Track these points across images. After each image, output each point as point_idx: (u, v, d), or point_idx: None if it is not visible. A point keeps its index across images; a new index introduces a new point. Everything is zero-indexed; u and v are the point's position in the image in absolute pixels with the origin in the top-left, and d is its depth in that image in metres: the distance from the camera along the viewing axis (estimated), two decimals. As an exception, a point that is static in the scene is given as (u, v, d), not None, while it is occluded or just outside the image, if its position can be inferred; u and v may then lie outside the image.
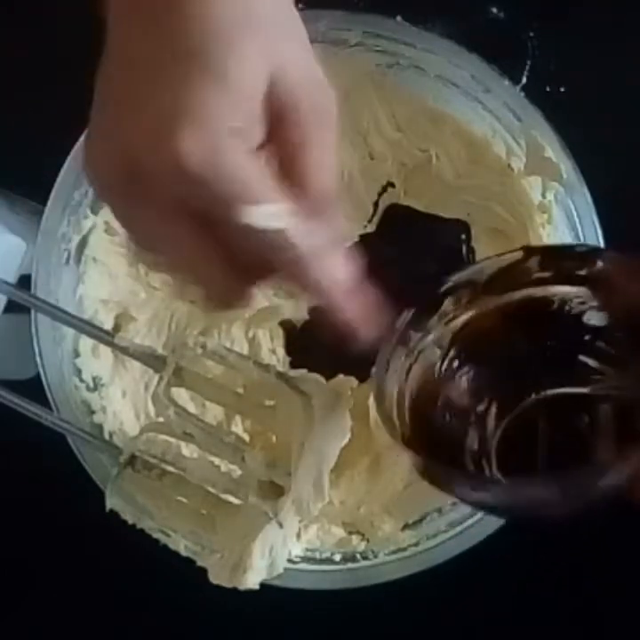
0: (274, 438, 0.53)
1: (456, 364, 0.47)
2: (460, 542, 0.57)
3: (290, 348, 0.61)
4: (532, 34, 0.62)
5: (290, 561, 0.54)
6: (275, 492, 0.50)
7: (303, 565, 0.58)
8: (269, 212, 0.39)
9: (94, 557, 0.63)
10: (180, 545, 0.53)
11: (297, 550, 0.57)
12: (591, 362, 0.46)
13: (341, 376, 0.53)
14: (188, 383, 0.51)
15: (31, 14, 0.63)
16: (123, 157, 0.39)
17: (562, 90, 0.62)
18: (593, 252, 0.48)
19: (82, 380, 0.59)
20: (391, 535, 0.59)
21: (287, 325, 0.61)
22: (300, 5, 0.57)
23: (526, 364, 0.46)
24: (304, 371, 0.52)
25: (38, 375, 0.57)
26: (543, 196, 0.59)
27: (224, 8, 0.38)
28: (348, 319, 0.42)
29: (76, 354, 0.59)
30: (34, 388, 0.56)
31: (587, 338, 0.46)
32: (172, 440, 0.52)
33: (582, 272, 0.45)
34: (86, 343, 0.59)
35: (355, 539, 0.59)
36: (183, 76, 0.38)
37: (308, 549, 0.58)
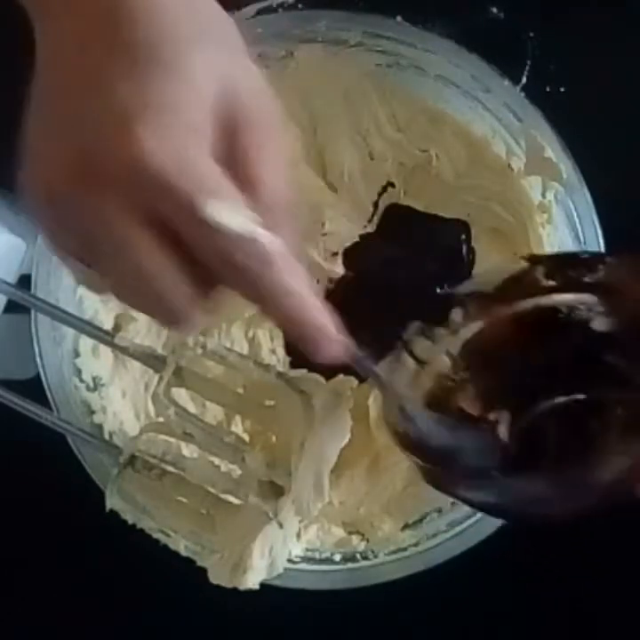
0: (274, 438, 0.52)
1: (466, 373, 0.47)
2: (460, 542, 0.57)
3: (290, 348, 0.61)
4: (532, 34, 0.62)
5: (290, 561, 0.54)
6: (275, 492, 0.50)
7: (303, 565, 0.58)
8: (234, 207, 0.37)
9: (94, 557, 0.63)
10: (180, 545, 0.53)
11: (297, 550, 0.57)
12: (601, 368, 0.46)
13: (341, 376, 0.53)
14: (188, 383, 0.51)
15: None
16: (69, 162, 0.37)
17: (562, 90, 0.62)
18: (596, 258, 0.48)
19: (82, 380, 0.59)
20: (391, 535, 0.59)
21: (287, 325, 0.61)
22: (300, 5, 0.57)
23: (537, 372, 0.46)
24: (304, 371, 0.52)
25: (38, 375, 0.57)
26: (543, 195, 0.59)
27: (174, 6, 0.37)
28: (303, 333, 0.39)
29: (76, 354, 0.59)
30: (34, 388, 0.56)
31: (596, 344, 0.46)
32: (172, 440, 0.52)
33: (587, 279, 0.45)
34: (86, 343, 0.59)
35: (355, 539, 0.59)
36: (134, 68, 0.36)
37: (308, 549, 0.58)
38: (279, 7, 0.57)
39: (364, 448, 0.59)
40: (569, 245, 0.59)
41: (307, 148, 0.61)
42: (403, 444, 0.47)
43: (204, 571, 0.52)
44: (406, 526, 0.59)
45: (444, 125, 0.60)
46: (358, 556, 0.58)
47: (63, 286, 0.58)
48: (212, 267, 0.38)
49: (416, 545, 0.58)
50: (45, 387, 0.57)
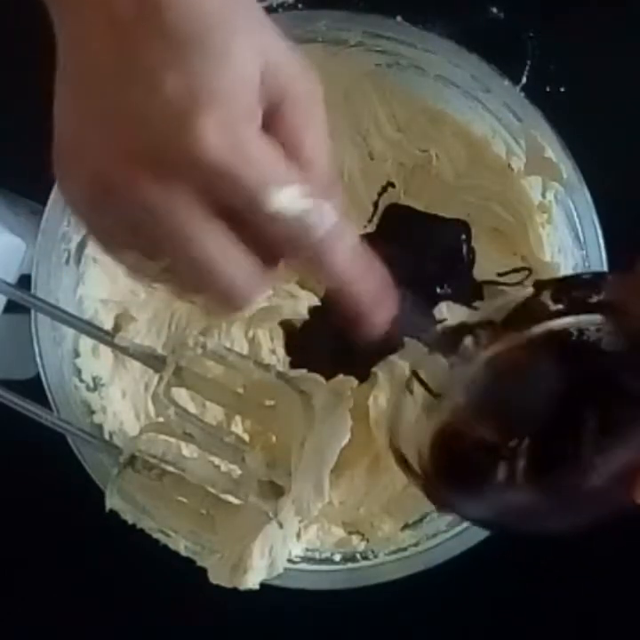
0: (274, 438, 0.53)
1: (480, 401, 0.47)
2: (460, 542, 0.57)
3: (290, 348, 0.61)
4: (531, 34, 0.62)
5: (290, 561, 0.54)
6: (275, 492, 0.50)
7: (303, 565, 0.58)
8: (296, 194, 0.38)
9: (94, 557, 0.63)
10: (180, 545, 0.53)
11: (297, 550, 0.57)
12: (614, 387, 0.46)
13: (341, 376, 0.53)
14: (188, 383, 0.51)
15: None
16: (129, 153, 0.37)
17: (562, 90, 0.62)
18: (598, 278, 0.48)
19: (82, 380, 0.59)
20: (391, 535, 0.59)
21: (287, 325, 0.61)
22: (300, 5, 0.57)
23: (552, 395, 0.47)
24: (304, 371, 0.52)
25: (38, 375, 0.57)
26: (543, 195, 0.59)
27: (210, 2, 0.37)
28: (363, 300, 0.41)
29: (76, 354, 0.59)
30: (34, 388, 0.56)
31: (607, 363, 0.46)
32: (172, 440, 0.51)
33: (592, 299, 0.46)
34: (86, 343, 0.59)
35: (355, 539, 0.59)
36: (181, 55, 0.36)
37: (308, 549, 0.58)
38: (279, 7, 0.57)
39: (364, 448, 0.59)
40: (569, 245, 0.59)
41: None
42: (399, 460, 0.48)
43: (204, 571, 0.52)
44: (406, 526, 0.59)
45: (444, 125, 0.60)
46: (358, 556, 0.58)
47: (63, 286, 0.58)
48: (280, 250, 0.40)
49: (416, 545, 0.58)
50: (45, 387, 0.57)
